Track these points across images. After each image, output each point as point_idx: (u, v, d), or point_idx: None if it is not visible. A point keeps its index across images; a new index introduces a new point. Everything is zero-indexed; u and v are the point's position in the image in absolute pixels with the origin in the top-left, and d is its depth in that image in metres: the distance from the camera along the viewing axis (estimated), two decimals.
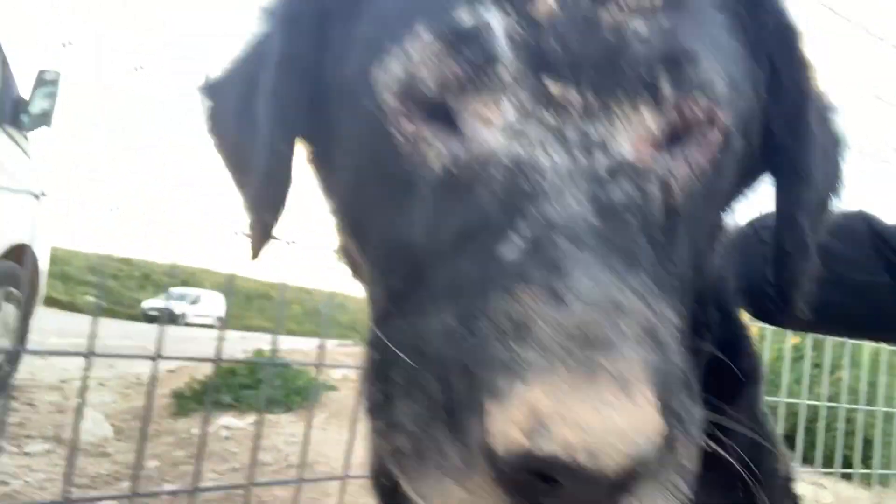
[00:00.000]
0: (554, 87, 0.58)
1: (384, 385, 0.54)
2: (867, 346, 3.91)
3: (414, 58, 0.59)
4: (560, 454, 0.42)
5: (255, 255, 0.79)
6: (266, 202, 0.76)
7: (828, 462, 3.66)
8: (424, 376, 0.50)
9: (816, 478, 4.03)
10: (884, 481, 4.02)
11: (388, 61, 0.60)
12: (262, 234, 0.78)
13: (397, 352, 0.53)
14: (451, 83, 0.59)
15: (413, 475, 0.50)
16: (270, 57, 0.72)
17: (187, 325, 24.89)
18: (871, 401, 3.80)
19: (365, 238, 0.71)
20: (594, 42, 0.59)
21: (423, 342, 0.52)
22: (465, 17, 0.59)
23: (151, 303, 26.45)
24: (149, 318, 22.72)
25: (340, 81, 0.69)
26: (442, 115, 0.60)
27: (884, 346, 3.72)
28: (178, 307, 27.28)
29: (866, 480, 4.00)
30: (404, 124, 0.60)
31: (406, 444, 0.50)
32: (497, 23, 0.59)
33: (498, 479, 0.45)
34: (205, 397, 4.29)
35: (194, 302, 29.66)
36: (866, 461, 3.88)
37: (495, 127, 0.58)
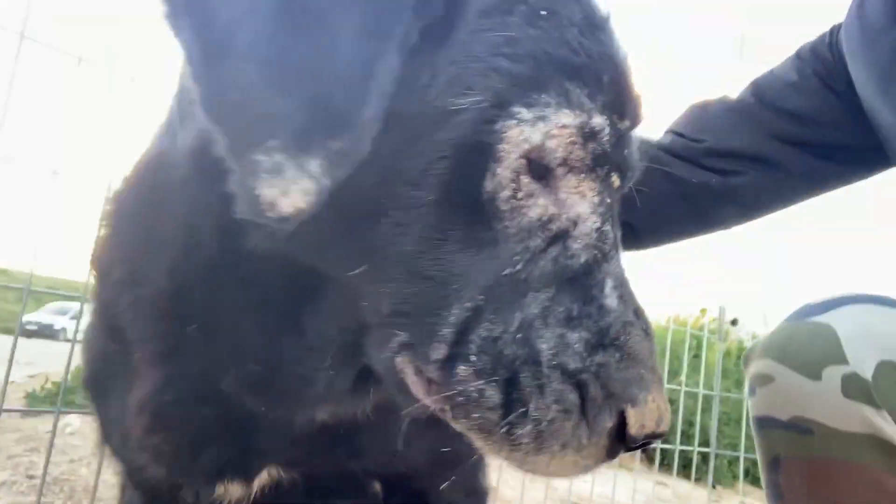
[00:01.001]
0: (615, 181, 0.77)
1: (510, 390, 0.68)
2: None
3: (553, 133, 0.66)
4: (663, 430, 0.70)
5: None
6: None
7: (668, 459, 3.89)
8: (562, 386, 0.68)
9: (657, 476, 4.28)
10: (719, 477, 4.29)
11: (526, 125, 0.66)
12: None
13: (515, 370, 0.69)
14: (570, 162, 0.70)
15: (535, 452, 0.68)
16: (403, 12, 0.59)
17: (68, 340, 23.62)
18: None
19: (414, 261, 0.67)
20: (632, 155, 0.79)
21: (557, 360, 0.68)
22: (597, 121, 0.70)
23: (30, 317, 25.04)
24: (28, 333, 21.50)
25: (421, 107, 0.64)
26: (543, 176, 0.70)
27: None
28: (58, 322, 25.93)
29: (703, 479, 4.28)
30: (522, 180, 0.67)
31: (531, 431, 0.67)
32: (607, 128, 0.71)
33: (612, 450, 0.70)
34: (57, 398, 4.19)
35: (75, 318, 28.17)
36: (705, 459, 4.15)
37: (585, 200, 0.73)
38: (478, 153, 0.64)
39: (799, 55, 1.28)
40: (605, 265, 0.73)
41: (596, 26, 0.70)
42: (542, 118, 0.66)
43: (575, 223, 0.72)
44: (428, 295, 0.65)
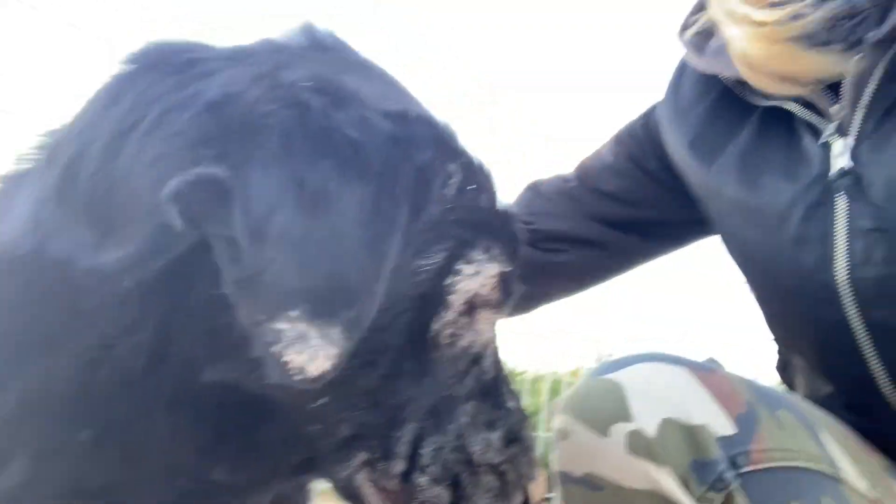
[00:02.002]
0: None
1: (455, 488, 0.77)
2: None
3: (486, 282, 0.78)
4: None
5: None
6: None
7: None
8: (490, 477, 0.78)
9: None
10: None
11: (468, 278, 0.77)
12: None
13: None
14: (488, 301, 0.81)
15: None
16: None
17: None
18: None
19: None
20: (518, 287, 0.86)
21: None
22: (508, 268, 0.79)
23: None
24: None
25: (396, 270, 0.70)
26: (469, 313, 0.80)
27: None
28: None
29: None
30: (460, 320, 0.78)
31: None
32: (510, 271, 0.81)
33: None
34: None
35: None
36: None
37: (492, 327, 0.84)
38: (432, 303, 0.74)
39: (618, 138, 1.40)
40: (502, 374, 0.84)
41: (493, 191, 0.80)
42: (479, 272, 0.76)
43: (486, 346, 0.82)
44: (386, 420, 0.74)
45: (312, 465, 0.78)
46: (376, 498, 0.78)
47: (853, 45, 0.95)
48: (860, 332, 0.99)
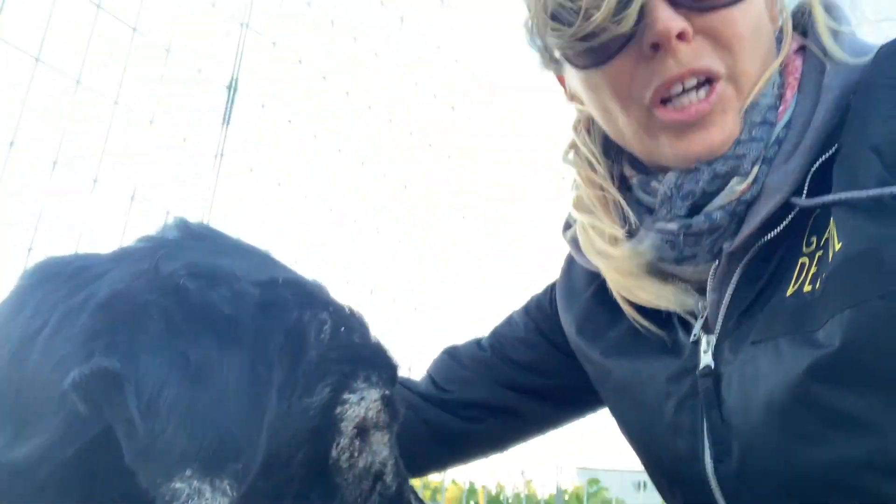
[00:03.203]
0: (394, 429, 0.91)
1: None
2: None
3: (371, 406, 0.86)
4: None
5: None
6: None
7: None
8: None
9: None
10: None
11: (355, 406, 0.85)
12: None
13: None
14: (378, 423, 0.87)
15: None
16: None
17: None
18: None
19: None
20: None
21: None
22: (388, 392, 0.86)
23: None
24: None
25: (286, 412, 0.80)
26: (362, 436, 0.87)
27: None
28: None
29: None
30: (354, 443, 0.84)
31: None
32: (389, 394, 0.88)
33: None
34: None
35: None
36: None
37: (387, 446, 0.90)
38: (327, 433, 0.81)
39: (527, 309, 1.44)
40: (406, 485, 0.91)
41: (364, 328, 0.88)
42: (363, 398, 0.84)
43: (384, 463, 0.89)
44: None
45: None
46: None
47: (715, 255, 1.02)
48: None
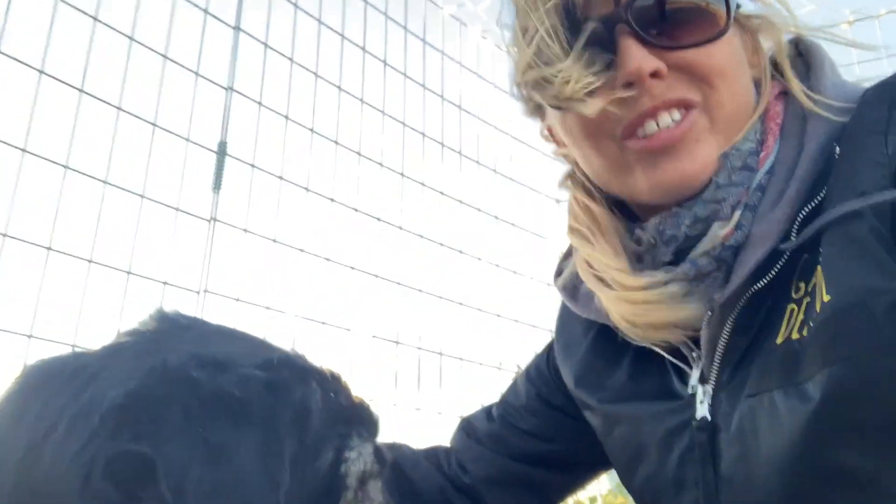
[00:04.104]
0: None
1: None
2: None
3: (367, 460, 0.95)
4: None
5: None
6: None
7: None
8: None
9: None
10: None
11: (356, 461, 0.94)
12: None
13: None
14: (372, 472, 0.95)
15: None
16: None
17: None
18: None
19: None
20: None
21: None
22: (376, 445, 0.97)
23: None
24: None
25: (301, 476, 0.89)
26: (363, 485, 0.95)
27: None
28: None
29: None
30: (359, 493, 0.94)
31: None
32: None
33: None
34: None
35: None
36: None
37: (380, 491, 0.98)
38: (335, 488, 0.90)
39: (528, 374, 1.45)
40: None
41: (346, 389, 0.95)
42: (360, 454, 0.93)
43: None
44: None
45: None
46: None
47: (708, 301, 1.01)
48: None
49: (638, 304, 1.05)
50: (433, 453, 1.50)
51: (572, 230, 1.19)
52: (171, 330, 0.89)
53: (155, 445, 0.70)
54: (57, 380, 0.79)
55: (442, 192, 2.96)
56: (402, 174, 2.83)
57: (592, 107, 0.97)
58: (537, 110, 1.16)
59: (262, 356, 0.86)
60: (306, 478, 0.82)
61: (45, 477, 0.72)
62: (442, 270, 2.88)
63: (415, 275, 2.75)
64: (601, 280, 1.11)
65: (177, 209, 1.99)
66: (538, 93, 1.03)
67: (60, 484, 0.71)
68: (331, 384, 0.92)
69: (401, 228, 2.78)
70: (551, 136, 1.21)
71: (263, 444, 0.76)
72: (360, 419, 0.94)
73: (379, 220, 2.68)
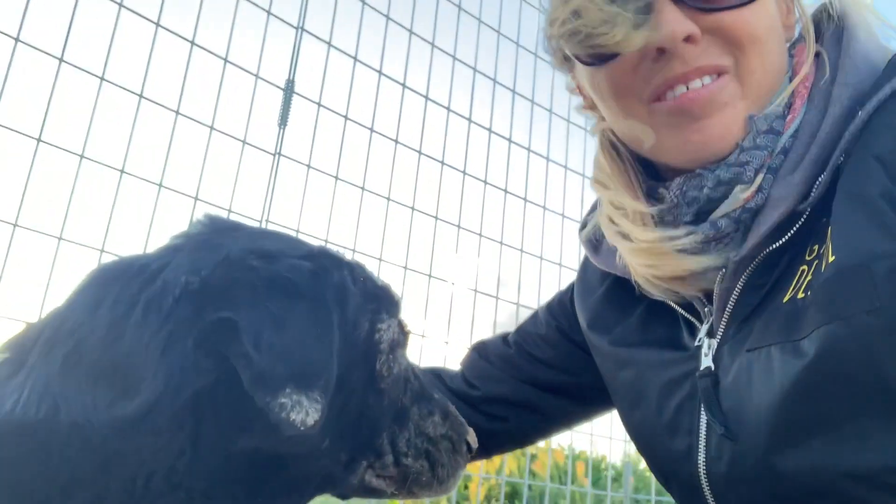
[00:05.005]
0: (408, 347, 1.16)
1: (428, 457, 1.14)
2: None
3: (396, 330, 1.08)
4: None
5: None
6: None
7: None
8: (446, 443, 1.16)
9: None
10: None
11: (387, 331, 1.08)
12: None
13: None
14: (401, 342, 1.11)
15: (452, 477, 1.15)
16: None
17: None
18: None
19: None
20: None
21: None
22: (403, 321, 1.11)
23: None
24: None
25: (349, 344, 1.03)
26: (393, 352, 1.09)
27: None
28: None
29: None
30: (389, 356, 1.07)
31: (448, 469, 1.14)
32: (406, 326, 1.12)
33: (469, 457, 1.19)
34: None
35: None
36: None
37: (406, 356, 1.14)
38: (372, 354, 1.04)
39: (549, 307, 1.51)
40: (423, 379, 1.17)
41: (371, 275, 1.09)
42: (390, 325, 1.06)
43: (408, 369, 1.12)
44: (371, 435, 1.05)
45: (330, 484, 1.06)
46: (384, 483, 1.10)
47: (725, 259, 1.03)
48: None
49: (655, 255, 1.07)
50: (434, 369, 1.59)
51: (596, 181, 1.21)
52: (222, 230, 1.02)
53: (238, 313, 0.83)
54: (126, 274, 0.90)
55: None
56: (468, 119, 2.87)
57: (630, 44, 0.97)
58: (565, 62, 1.17)
59: (304, 249, 1.01)
60: (349, 342, 0.97)
61: (127, 351, 0.83)
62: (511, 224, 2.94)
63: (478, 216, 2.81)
64: (622, 234, 1.13)
65: (244, 141, 2.10)
66: (571, 44, 1.04)
67: (141, 356, 0.82)
68: (360, 271, 1.07)
69: (464, 173, 2.83)
70: (579, 91, 1.23)
71: (315, 315, 0.90)
72: (386, 299, 1.08)
73: (442, 163, 2.74)
